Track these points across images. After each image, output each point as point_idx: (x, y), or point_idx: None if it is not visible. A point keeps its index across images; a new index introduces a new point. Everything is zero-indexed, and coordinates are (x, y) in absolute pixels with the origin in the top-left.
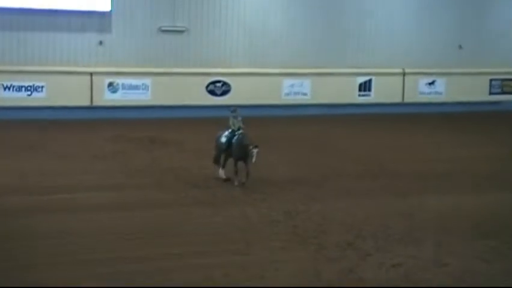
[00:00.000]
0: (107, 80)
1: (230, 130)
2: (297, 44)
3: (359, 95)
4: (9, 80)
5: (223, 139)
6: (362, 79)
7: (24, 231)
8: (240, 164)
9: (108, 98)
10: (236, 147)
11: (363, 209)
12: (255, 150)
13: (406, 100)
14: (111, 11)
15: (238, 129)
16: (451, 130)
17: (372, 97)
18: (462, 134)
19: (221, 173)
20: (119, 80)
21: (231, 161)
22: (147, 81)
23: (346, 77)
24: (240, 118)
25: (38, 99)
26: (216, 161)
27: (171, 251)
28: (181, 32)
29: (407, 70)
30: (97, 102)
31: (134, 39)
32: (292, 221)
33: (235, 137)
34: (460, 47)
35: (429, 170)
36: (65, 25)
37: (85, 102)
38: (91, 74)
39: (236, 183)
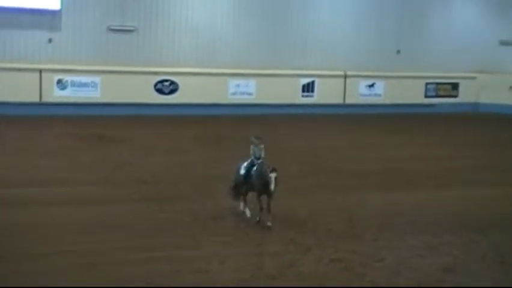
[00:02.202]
0: (56, 77)
1: (250, 160)
2: (243, 46)
3: (302, 96)
4: None
5: (242, 170)
6: (305, 80)
7: None
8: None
9: (57, 95)
10: (256, 178)
11: (305, 206)
12: (272, 175)
13: (347, 101)
14: (61, 9)
15: (258, 159)
16: (389, 130)
17: (315, 98)
18: (399, 134)
19: (242, 206)
20: (68, 77)
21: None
22: (96, 79)
23: (290, 78)
24: (262, 146)
25: None
26: (235, 194)
27: (120, 245)
28: (130, 31)
29: (348, 73)
30: (46, 98)
31: (84, 38)
32: (236, 217)
33: (254, 168)
34: (398, 51)
35: (367, 169)
36: (15, 22)
37: (34, 98)
38: (40, 71)
39: (261, 223)
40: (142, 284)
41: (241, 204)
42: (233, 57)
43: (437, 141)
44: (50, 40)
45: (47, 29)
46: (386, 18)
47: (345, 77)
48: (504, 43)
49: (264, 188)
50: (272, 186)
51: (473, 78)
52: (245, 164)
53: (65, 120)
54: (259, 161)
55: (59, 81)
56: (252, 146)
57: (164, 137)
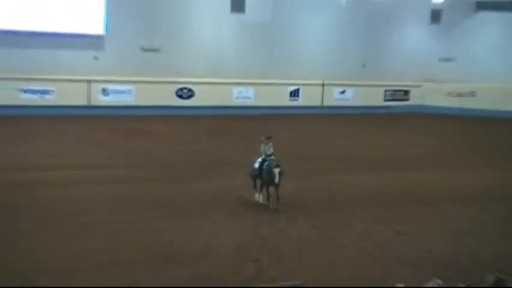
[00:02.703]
0: (101, 86)
1: (262, 156)
2: (244, 61)
3: (290, 100)
4: (26, 85)
5: (256, 165)
6: (292, 88)
7: (31, 200)
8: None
9: (101, 100)
10: (266, 172)
11: (293, 184)
12: (276, 170)
13: (325, 104)
14: (104, 34)
15: (270, 156)
16: (356, 125)
17: (300, 101)
18: (363, 128)
19: (257, 197)
20: (110, 86)
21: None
22: (131, 87)
23: (280, 86)
24: (270, 144)
25: (49, 99)
26: (254, 183)
27: (145, 215)
28: (157, 50)
29: (325, 82)
30: (93, 102)
31: (122, 56)
32: (238, 193)
33: (266, 163)
34: (364, 65)
35: (339, 155)
36: (69, 44)
37: (84, 102)
38: (89, 81)
39: (270, 207)
40: (165, 244)
41: (256, 194)
42: (236, 70)
43: (392, 133)
44: (96, 58)
45: (94, 49)
46: (355, 40)
47: (323, 85)
48: (443, 59)
49: (271, 180)
50: (276, 179)
51: (420, 86)
52: (259, 159)
53: (106, 118)
54: (270, 157)
55: (103, 89)
56: (262, 145)
57: (182, 131)
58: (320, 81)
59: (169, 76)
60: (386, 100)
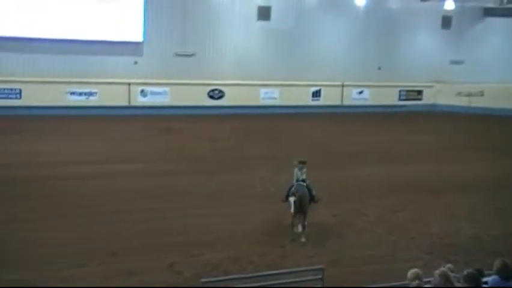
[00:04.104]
0: (140, 88)
1: (301, 179)
2: (270, 64)
3: (312, 100)
4: (73, 88)
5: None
6: (314, 89)
7: (81, 190)
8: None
9: (140, 100)
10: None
11: (314, 177)
12: (291, 199)
13: (344, 103)
14: (143, 41)
15: (302, 181)
16: (372, 123)
17: (321, 101)
18: (378, 125)
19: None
20: (148, 88)
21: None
22: (167, 89)
23: (303, 87)
24: (304, 170)
25: (93, 101)
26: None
27: (180, 205)
28: (190, 55)
29: (345, 83)
30: (133, 103)
31: (159, 60)
32: (265, 184)
33: (292, 188)
34: (379, 68)
35: (356, 150)
36: (111, 50)
37: (124, 103)
38: (129, 84)
39: (292, 236)
40: (197, 230)
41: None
42: (262, 72)
43: (405, 129)
44: (135, 62)
45: (133, 54)
46: (371, 44)
47: (343, 86)
48: (453, 62)
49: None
50: (291, 209)
51: (432, 86)
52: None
53: (144, 118)
54: (297, 183)
55: (141, 91)
56: (296, 170)
57: (213, 129)
58: (340, 83)
59: (201, 79)
60: (400, 100)
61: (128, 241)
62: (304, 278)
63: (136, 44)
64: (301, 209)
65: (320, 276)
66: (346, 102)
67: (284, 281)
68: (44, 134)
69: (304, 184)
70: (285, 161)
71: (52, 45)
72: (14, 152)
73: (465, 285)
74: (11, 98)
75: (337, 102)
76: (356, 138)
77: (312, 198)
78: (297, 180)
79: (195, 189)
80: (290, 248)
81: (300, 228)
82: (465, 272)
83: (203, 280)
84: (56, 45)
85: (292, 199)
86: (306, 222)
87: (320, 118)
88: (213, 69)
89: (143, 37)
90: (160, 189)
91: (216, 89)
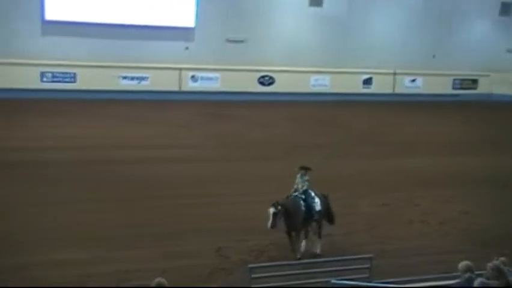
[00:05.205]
0: (191, 73)
1: (300, 191)
2: (320, 51)
3: (363, 87)
4: (125, 73)
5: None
6: (365, 76)
7: (129, 174)
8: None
9: (191, 85)
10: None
11: (361, 166)
12: (270, 210)
13: (396, 91)
14: (194, 26)
15: (303, 192)
16: (424, 113)
17: (372, 89)
18: (430, 115)
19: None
20: (198, 74)
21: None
22: (217, 74)
23: (354, 75)
24: (306, 178)
25: (144, 85)
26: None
27: (232, 191)
28: (241, 41)
29: (397, 71)
30: (183, 88)
31: (210, 46)
32: (314, 172)
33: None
34: (434, 56)
35: (406, 140)
36: (163, 36)
37: (175, 88)
38: (180, 69)
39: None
40: (244, 217)
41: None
42: (313, 59)
43: (458, 120)
44: (186, 48)
45: (185, 40)
46: (425, 31)
47: (395, 74)
48: (510, 51)
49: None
50: (269, 224)
51: (488, 75)
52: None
53: (195, 103)
54: (295, 194)
55: (192, 77)
56: (298, 177)
57: (263, 116)
58: (392, 70)
59: (251, 65)
60: (454, 88)
61: (177, 225)
62: (351, 267)
63: (188, 30)
64: (290, 226)
65: (368, 266)
66: (398, 91)
67: (331, 269)
68: (96, 118)
69: (303, 197)
70: (335, 149)
71: (106, 30)
72: (67, 136)
73: None
74: (66, 82)
75: (389, 91)
76: (407, 128)
77: (329, 217)
78: (296, 191)
79: (244, 176)
80: (337, 235)
81: (298, 254)
82: None
83: (250, 266)
84: (110, 30)
85: (271, 210)
86: (303, 244)
87: (371, 106)
88: (264, 56)
89: (195, 23)
90: (209, 175)
91: (266, 76)
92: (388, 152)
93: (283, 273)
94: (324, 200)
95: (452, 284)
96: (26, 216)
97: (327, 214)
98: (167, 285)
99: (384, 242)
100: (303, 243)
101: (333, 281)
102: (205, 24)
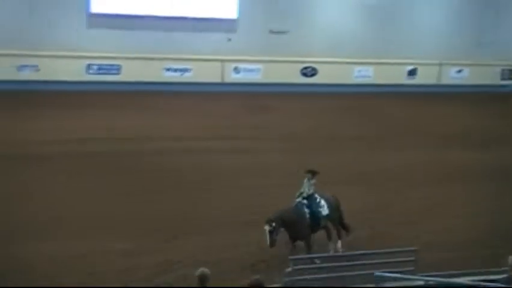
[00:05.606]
0: (233, 65)
1: (304, 195)
2: (363, 41)
3: (407, 78)
4: (169, 65)
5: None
6: (409, 67)
7: (172, 165)
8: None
9: (233, 77)
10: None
11: (403, 158)
12: (266, 228)
13: (441, 82)
14: (237, 18)
15: (308, 196)
16: (469, 105)
17: (417, 80)
18: (478, 106)
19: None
20: (241, 65)
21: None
22: (260, 66)
23: (398, 65)
24: (313, 182)
25: (187, 77)
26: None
27: (270, 181)
28: (284, 32)
29: (442, 61)
30: (226, 80)
31: (253, 38)
32: (356, 165)
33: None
34: (481, 45)
35: (448, 132)
36: (205, 27)
37: (218, 79)
38: (222, 61)
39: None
40: None
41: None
42: (356, 50)
43: (509, 113)
44: (229, 39)
45: (227, 31)
46: (471, 20)
47: (440, 64)
48: None
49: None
50: (267, 239)
51: None
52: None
53: (237, 95)
54: (299, 199)
55: (235, 68)
56: (305, 181)
57: (305, 107)
58: (437, 61)
59: (294, 56)
60: (503, 79)
61: (221, 216)
62: (396, 259)
63: (230, 21)
64: (294, 236)
65: (412, 258)
66: (443, 82)
67: (375, 261)
68: (141, 110)
69: (306, 203)
70: (377, 141)
71: (150, 22)
72: (113, 127)
73: None
74: (111, 74)
75: (433, 81)
76: (452, 120)
77: (341, 221)
78: (299, 196)
79: (286, 167)
80: (380, 228)
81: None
82: None
83: (291, 257)
84: (154, 23)
85: (266, 228)
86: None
87: (415, 98)
88: (307, 46)
89: (238, 14)
90: (250, 166)
91: (308, 67)
92: (432, 144)
93: (325, 265)
94: (334, 201)
95: (499, 278)
96: (74, 206)
97: (338, 217)
98: (210, 276)
99: (431, 234)
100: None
101: (377, 273)
102: (247, 16)
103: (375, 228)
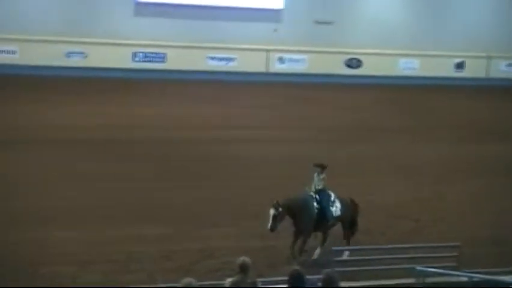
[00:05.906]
0: (278, 55)
1: (314, 191)
2: (410, 33)
3: (455, 71)
4: (213, 53)
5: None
6: (457, 60)
7: (213, 154)
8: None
9: (278, 67)
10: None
11: (447, 151)
12: (271, 212)
13: (490, 76)
14: (283, 8)
15: (319, 192)
16: None
17: (465, 73)
18: None
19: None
20: (286, 55)
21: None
22: (305, 56)
23: (446, 58)
24: (322, 176)
25: (232, 66)
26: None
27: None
28: (329, 23)
29: (491, 54)
30: (271, 70)
31: (298, 28)
32: (401, 157)
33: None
34: None
35: (501, 127)
36: (252, 17)
37: (262, 69)
38: (267, 50)
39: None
40: None
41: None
42: (403, 41)
43: None
44: (275, 30)
45: (273, 21)
46: None
47: (489, 57)
48: None
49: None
50: (268, 224)
51: None
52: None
53: (282, 85)
54: (309, 194)
55: (280, 58)
56: (315, 176)
57: (350, 98)
58: (486, 54)
59: (339, 47)
60: None
61: (260, 205)
62: (438, 254)
63: (276, 11)
64: (297, 229)
65: (455, 254)
66: (492, 75)
67: (417, 255)
68: (184, 98)
69: (317, 197)
70: (422, 133)
71: (195, 11)
72: (155, 114)
73: None
74: (156, 62)
75: (482, 75)
76: (500, 114)
77: (352, 225)
78: (318, 191)
79: (329, 158)
80: (424, 222)
81: (297, 254)
82: None
83: (334, 248)
84: (199, 11)
85: (271, 211)
86: (316, 252)
87: (463, 91)
88: (352, 38)
89: (284, 4)
90: (292, 156)
91: (353, 58)
92: (479, 138)
93: (366, 257)
94: (351, 205)
95: None
96: (114, 191)
97: (350, 222)
98: (250, 264)
99: (474, 230)
100: (318, 250)
101: (419, 268)
102: (293, 6)
103: (419, 220)
